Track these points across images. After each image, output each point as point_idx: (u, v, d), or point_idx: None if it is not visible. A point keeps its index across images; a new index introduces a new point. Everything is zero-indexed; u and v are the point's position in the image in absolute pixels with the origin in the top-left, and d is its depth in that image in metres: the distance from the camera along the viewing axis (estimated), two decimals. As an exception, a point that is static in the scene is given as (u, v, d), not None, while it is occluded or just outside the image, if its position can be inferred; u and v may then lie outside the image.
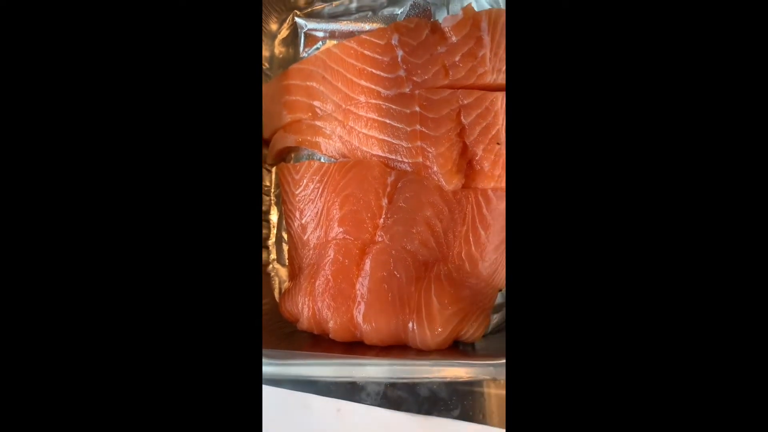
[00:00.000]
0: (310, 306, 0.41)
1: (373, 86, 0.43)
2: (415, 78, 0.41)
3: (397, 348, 0.40)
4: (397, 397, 0.35)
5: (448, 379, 0.35)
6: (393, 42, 0.42)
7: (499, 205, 0.40)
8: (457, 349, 0.40)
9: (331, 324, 0.40)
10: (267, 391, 0.39)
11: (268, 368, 0.39)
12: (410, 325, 0.38)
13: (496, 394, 0.35)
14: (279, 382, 0.38)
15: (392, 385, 0.36)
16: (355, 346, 0.41)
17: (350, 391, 0.37)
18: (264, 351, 0.39)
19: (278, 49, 0.54)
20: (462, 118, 0.40)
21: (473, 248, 0.40)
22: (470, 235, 0.40)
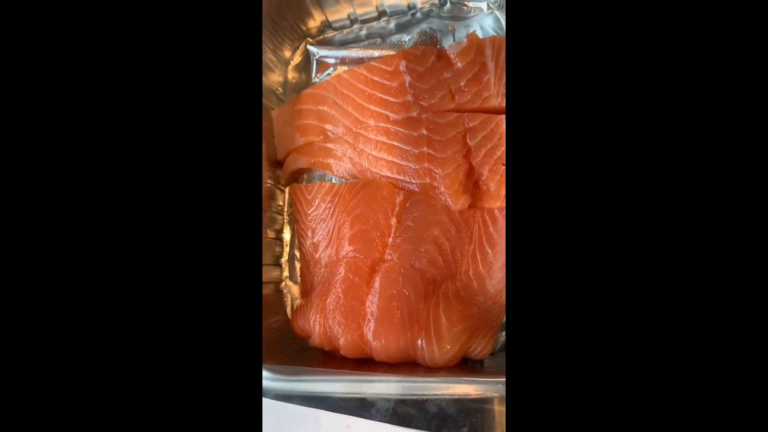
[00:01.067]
0: (321, 323, 0.42)
1: (382, 110, 0.45)
2: (422, 102, 0.43)
3: (406, 365, 0.40)
4: (407, 413, 0.36)
5: (456, 396, 0.36)
6: (401, 68, 0.44)
7: (506, 224, 0.41)
8: (465, 366, 0.40)
9: (341, 341, 0.41)
10: (277, 406, 0.40)
11: (279, 384, 0.40)
12: (419, 342, 0.39)
13: (504, 411, 0.35)
14: (290, 397, 0.39)
15: (402, 402, 0.36)
16: (365, 363, 0.41)
17: (360, 407, 0.37)
18: (275, 367, 0.40)
19: (291, 75, 0.56)
20: (468, 140, 0.42)
21: (480, 266, 0.40)
22: (477, 253, 0.41)
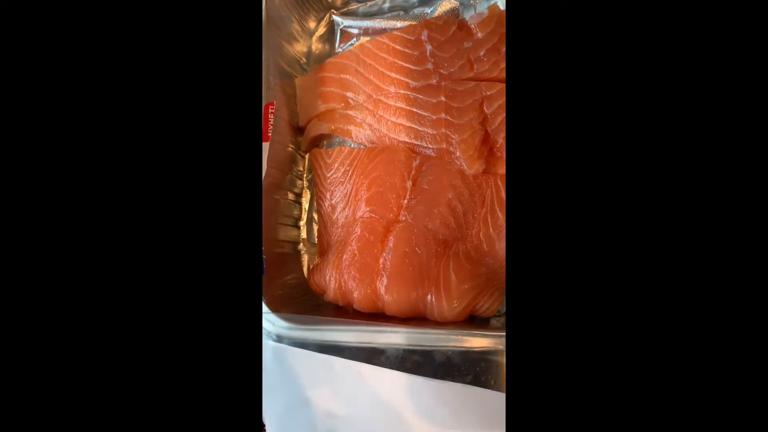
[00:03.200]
0: (336, 278, 0.44)
1: (402, 78, 0.46)
2: (441, 71, 0.45)
3: (416, 319, 0.43)
4: (415, 362, 0.38)
5: (462, 348, 0.38)
6: (422, 38, 0.46)
7: (517, 191, 0.42)
8: (472, 322, 0.42)
9: (355, 294, 0.43)
10: (295, 352, 0.42)
11: (296, 332, 0.43)
12: (429, 297, 0.41)
13: (504, 362, 0.37)
14: (305, 345, 0.42)
15: (411, 352, 0.39)
16: (377, 317, 0.44)
17: (371, 355, 0.40)
18: (293, 316, 0.43)
19: (315, 45, 0.58)
20: (484, 108, 0.43)
21: (491, 229, 0.42)
22: (488, 217, 0.42)
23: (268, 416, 0.45)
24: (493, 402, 0.37)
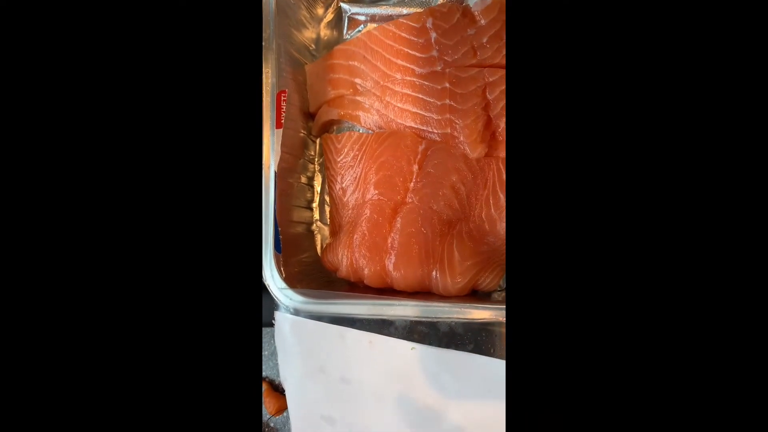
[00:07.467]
0: (348, 256, 0.48)
1: (408, 65, 0.48)
2: (446, 57, 0.46)
3: (422, 294, 0.46)
4: (421, 332, 0.42)
5: (465, 320, 0.41)
6: (427, 25, 0.47)
7: (518, 173, 0.44)
8: (474, 296, 0.45)
9: (366, 271, 0.46)
10: (311, 325, 0.46)
11: (311, 306, 0.46)
12: (434, 273, 0.44)
13: (504, 332, 0.40)
14: (321, 318, 0.45)
15: (417, 323, 0.42)
16: (386, 292, 0.47)
17: (381, 326, 0.43)
18: (308, 291, 0.47)
19: (324, 32, 0.59)
20: (487, 93, 0.45)
21: (492, 210, 0.45)
22: (490, 198, 0.45)
23: (287, 383, 0.49)
24: (493, 368, 0.40)
